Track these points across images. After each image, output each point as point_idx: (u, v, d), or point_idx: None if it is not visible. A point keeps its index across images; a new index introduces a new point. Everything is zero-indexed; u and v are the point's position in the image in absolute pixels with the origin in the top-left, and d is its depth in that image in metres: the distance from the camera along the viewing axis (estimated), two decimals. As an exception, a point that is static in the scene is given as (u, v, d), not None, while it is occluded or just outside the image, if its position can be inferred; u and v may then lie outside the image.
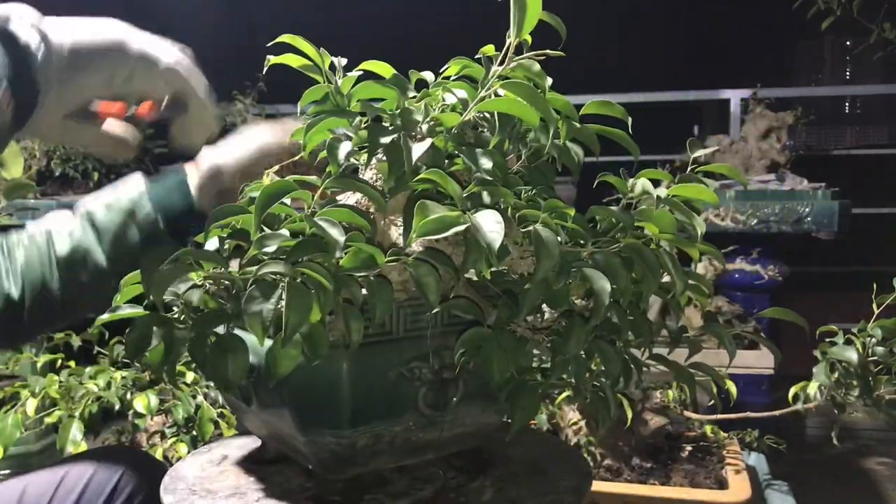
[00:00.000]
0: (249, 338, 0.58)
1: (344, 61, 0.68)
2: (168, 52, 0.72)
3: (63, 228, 0.88)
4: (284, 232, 0.59)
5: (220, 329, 0.60)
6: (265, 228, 0.61)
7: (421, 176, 0.59)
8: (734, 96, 3.58)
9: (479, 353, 0.63)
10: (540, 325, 0.67)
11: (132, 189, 0.89)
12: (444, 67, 0.71)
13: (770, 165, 2.86)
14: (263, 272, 0.55)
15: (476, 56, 0.69)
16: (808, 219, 2.50)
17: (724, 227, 2.55)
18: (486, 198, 0.62)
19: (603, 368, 0.68)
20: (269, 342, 0.59)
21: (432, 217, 0.55)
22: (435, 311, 0.62)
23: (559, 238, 0.64)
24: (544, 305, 0.68)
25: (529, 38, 0.64)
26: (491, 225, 0.55)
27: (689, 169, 0.75)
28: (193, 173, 0.90)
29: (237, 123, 3.34)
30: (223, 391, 0.60)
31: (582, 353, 0.66)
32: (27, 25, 0.60)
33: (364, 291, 0.59)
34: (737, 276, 2.61)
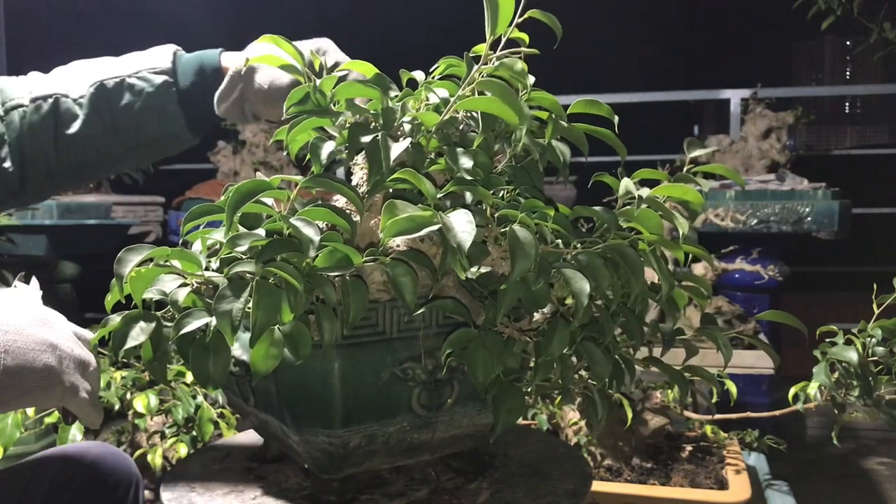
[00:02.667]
0: (244, 336, 0.58)
1: (331, 61, 0.68)
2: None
3: (71, 95, 0.84)
4: (260, 231, 0.59)
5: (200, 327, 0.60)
6: (241, 227, 0.61)
7: (395, 175, 0.59)
8: (734, 96, 3.57)
9: (464, 355, 0.62)
10: (528, 326, 0.66)
11: (159, 70, 0.84)
12: (434, 67, 0.71)
13: (770, 165, 2.86)
14: (235, 271, 0.55)
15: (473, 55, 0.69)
16: (808, 219, 2.50)
17: (724, 227, 2.55)
18: (469, 197, 0.62)
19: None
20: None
21: (404, 216, 0.55)
22: (422, 311, 0.62)
23: (547, 238, 0.63)
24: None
25: (527, 37, 0.64)
26: (462, 225, 0.55)
27: (685, 169, 0.75)
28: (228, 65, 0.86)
29: (237, 123, 3.33)
30: (205, 388, 0.60)
31: (571, 354, 0.66)
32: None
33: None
34: (737, 276, 2.60)
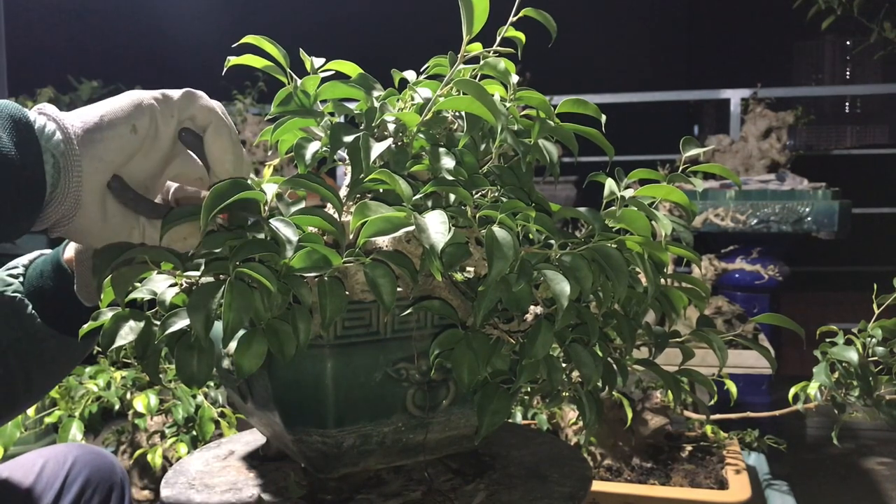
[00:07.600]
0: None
1: (321, 61, 0.68)
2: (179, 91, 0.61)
3: None
4: (241, 232, 0.59)
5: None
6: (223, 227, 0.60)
7: (371, 176, 0.58)
8: (734, 96, 3.58)
9: (451, 356, 0.62)
10: (517, 327, 0.66)
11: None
12: (424, 66, 0.70)
13: (770, 165, 2.86)
14: (211, 272, 0.54)
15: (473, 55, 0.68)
16: (808, 219, 2.50)
17: (724, 226, 2.55)
18: (453, 198, 0.61)
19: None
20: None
21: (379, 216, 0.54)
22: (409, 311, 0.62)
23: (531, 238, 0.63)
24: (534, 307, 0.67)
25: (523, 36, 0.64)
26: (436, 226, 0.54)
27: (680, 168, 0.75)
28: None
29: (237, 123, 3.34)
30: (189, 387, 0.59)
31: (559, 356, 0.65)
32: (44, 116, 0.55)
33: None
34: (737, 275, 2.61)
